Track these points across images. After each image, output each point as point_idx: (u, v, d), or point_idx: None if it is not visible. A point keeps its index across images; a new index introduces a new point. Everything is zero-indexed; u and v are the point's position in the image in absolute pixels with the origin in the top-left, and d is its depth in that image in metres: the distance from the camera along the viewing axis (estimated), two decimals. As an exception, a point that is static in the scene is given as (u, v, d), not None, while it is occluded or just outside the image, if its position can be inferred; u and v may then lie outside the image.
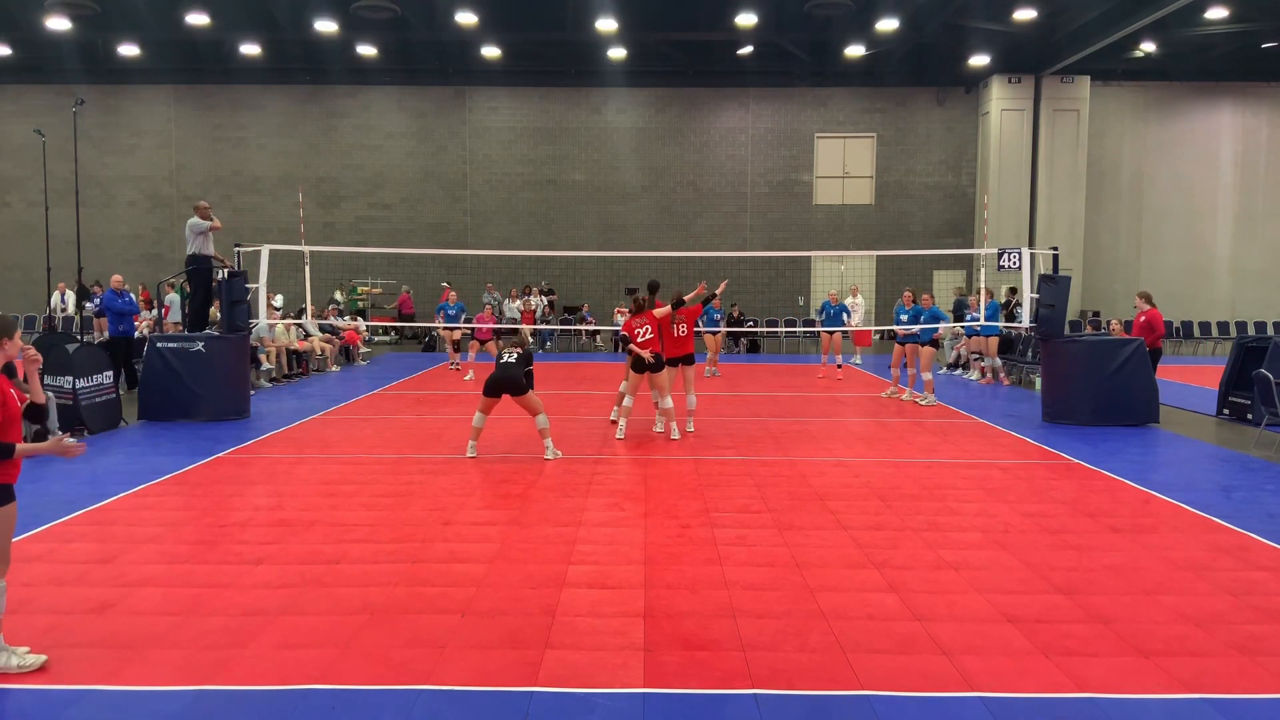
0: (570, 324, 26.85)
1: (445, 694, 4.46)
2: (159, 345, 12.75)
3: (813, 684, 4.58)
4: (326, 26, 24.34)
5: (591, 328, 25.90)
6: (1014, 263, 13.90)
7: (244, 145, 29.44)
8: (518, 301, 26.29)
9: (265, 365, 16.92)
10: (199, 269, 13.92)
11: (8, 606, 4.85)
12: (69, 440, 4.78)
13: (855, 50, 26.18)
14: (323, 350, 19.66)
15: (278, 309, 20.37)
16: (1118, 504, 8.27)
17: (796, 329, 26.16)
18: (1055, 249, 14.01)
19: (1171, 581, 6.14)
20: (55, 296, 24.62)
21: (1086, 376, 12.74)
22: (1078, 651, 4.97)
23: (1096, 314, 26.75)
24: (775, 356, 25.34)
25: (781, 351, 26.70)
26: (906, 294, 15.48)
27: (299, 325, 19.11)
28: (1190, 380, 18.29)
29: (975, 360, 18.86)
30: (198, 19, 23.95)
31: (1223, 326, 27.80)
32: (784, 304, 29.18)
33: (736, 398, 15.66)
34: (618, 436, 11.41)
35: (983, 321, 17.08)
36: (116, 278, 15.87)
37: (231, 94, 29.27)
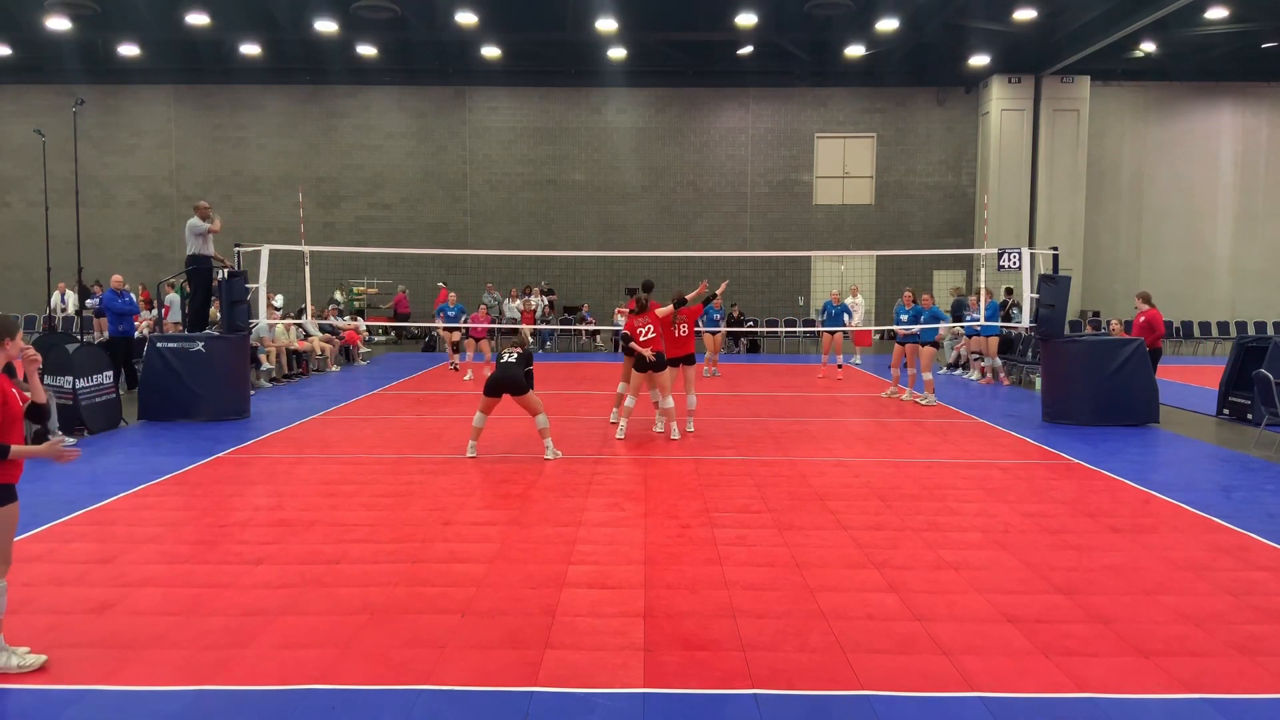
0: (570, 324, 26.84)
1: (445, 694, 4.46)
2: (159, 345, 12.75)
3: (813, 684, 4.58)
4: (326, 26, 24.34)
5: (591, 328, 25.90)
6: (1014, 263, 13.90)
7: (244, 145, 29.44)
8: (518, 301, 26.30)
9: (265, 365, 16.92)
10: (199, 269, 13.92)
11: (8, 606, 4.85)
12: (64, 446, 4.78)
13: (855, 50, 26.18)
14: (323, 350, 19.66)
15: (278, 309, 20.37)
16: (1118, 504, 8.27)
17: (796, 329, 26.16)
18: (1055, 249, 14.01)
19: (1171, 581, 6.14)
20: (55, 296, 24.62)
21: (1086, 376, 12.74)
22: (1078, 651, 4.97)
23: (1096, 314, 26.76)
24: (775, 356, 25.35)
25: (781, 351, 26.71)
26: (907, 294, 15.48)
27: (299, 325, 19.11)
28: (1190, 380, 18.30)
29: (975, 360, 18.87)
30: (198, 19, 23.95)
31: (1223, 326, 27.80)
32: (784, 304, 29.18)
33: (736, 398, 15.66)
34: (618, 436, 11.41)
35: (983, 321, 17.09)
36: (116, 278, 15.87)
37: (231, 94, 29.27)
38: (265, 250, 14.35)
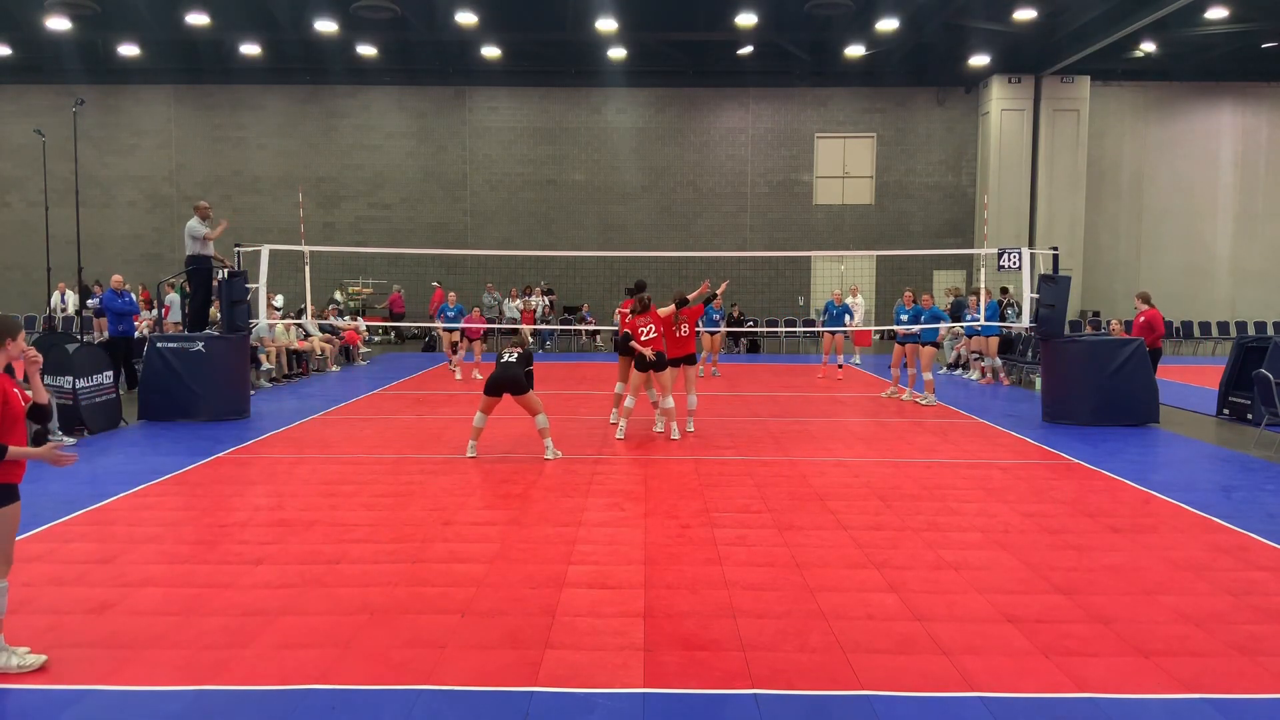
0: (570, 324, 26.84)
1: (445, 694, 4.46)
2: (159, 345, 12.75)
3: (813, 684, 4.58)
4: (326, 26, 24.34)
5: (591, 328, 25.89)
6: (1014, 263, 13.90)
7: (244, 145, 29.44)
8: (518, 301, 26.30)
9: (265, 365, 16.92)
10: (199, 269, 13.91)
11: (8, 606, 4.84)
12: (62, 450, 4.78)
13: (855, 50, 26.18)
14: (323, 350, 19.66)
15: (278, 309, 20.37)
16: (1118, 504, 8.27)
17: (796, 329, 26.16)
18: (1055, 249, 14.01)
19: (1171, 581, 6.14)
20: (55, 296, 24.63)
21: (1086, 376, 12.74)
22: (1078, 651, 4.97)
23: (1096, 314, 26.76)
24: (775, 356, 25.35)
25: (781, 351, 26.71)
26: (907, 294, 15.48)
27: (299, 325, 19.12)
28: (1190, 380, 18.30)
29: (975, 360, 18.87)
30: (198, 19, 23.95)
31: (1223, 326, 27.80)
32: (784, 304, 29.17)
33: (736, 398, 15.66)
34: (618, 437, 11.41)
35: (982, 321, 17.09)
36: (116, 278, 15.87)
37: (231, 94, 29.28)
38: (265, 250, 14.35)
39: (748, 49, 26.91)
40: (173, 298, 17.92)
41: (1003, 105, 27.89)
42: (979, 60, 26.94)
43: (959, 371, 19.73)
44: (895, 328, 15.80)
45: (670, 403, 11.39)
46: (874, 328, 25.84)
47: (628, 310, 11.97)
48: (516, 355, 10.07)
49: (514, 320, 25.30)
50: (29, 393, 4.84)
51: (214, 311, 14.65)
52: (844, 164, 29.57)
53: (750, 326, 25.96)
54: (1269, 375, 10.97)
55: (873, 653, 4.94)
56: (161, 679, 4.59)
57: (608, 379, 17.07)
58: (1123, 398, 12.67)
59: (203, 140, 29.37)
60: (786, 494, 8.57)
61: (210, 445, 10.81)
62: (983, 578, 6.19)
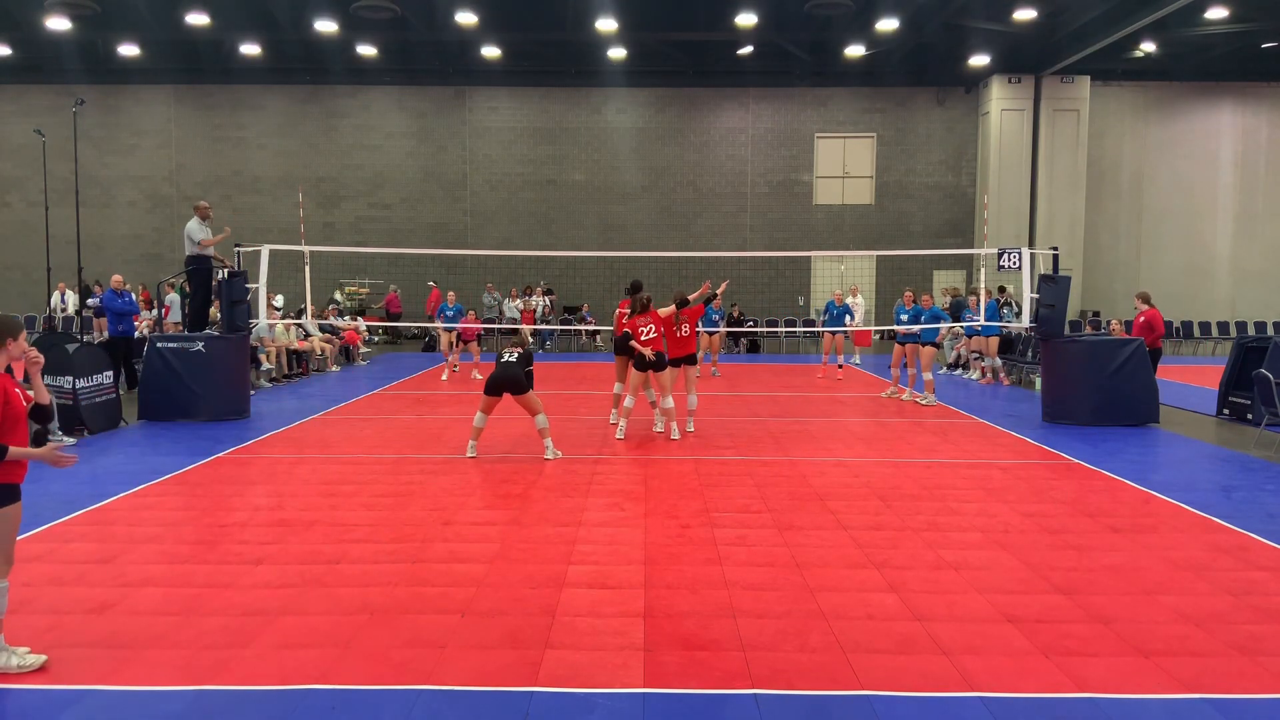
0: (570, 324, 26.84)
1: (445, 694, 4.46)
2: (159, 345, 12.75)
3: (813, 684, 4.58)
4: (326, 26, 24.34)
5: (591, 328, 25.89)
6: (1014, 263, 13.90)
7: (244, 145, 29.44)
8: (518, 301, 26.31)
9: (265, 365, 16.92)
10: (199, 269, 13.92)
11: (8, 606, 4.84)
12: (62, 450, 4.78)
13: (855, 50, 26.18)
14: (323, 350, 19.66)
15: (278, 309, 20.37)
16: (1118, 504, 8.27)
17: (796, 329, 26.16)
18: (1055, 249, 14.01)
19: (1171, 581, 6.14)
20: (55, 296, 24.62)
21: (1086, 376, 12.74)
22: (1078, 651, 4.97)
23: (1096, 314, 26.76)
24: (775, 356, 25.34)
25: (781, 351, 26.71)
26: (907, 294, 15.48)
27: (299, 325, 19.12)
28: (1190, 380, 18.30)
29: (975, 360, 18.87)
30: (198, 19, 23.96)
31: (1223, 326, 27.80)
32: (784, 304, 29.18)
33: (736, 398, 15.66)
34: (618, 437, 11.41)
35: (982, 321, 17.09)
36: (116, 278, 15.87)
37: (231, 94, 29.28)
38: (265, 250, 14.35)
39: (748, 49, 26.91)
40: (173, 298, 17.92)
41: (1003, 105, 27.89)
42: (979, 60, 26.94)
43: (959, 371, 19.73)
44: (895, 328, 15.80)
45: (670, 403, 11.39)
46: (874, 328, 25.84)
47: (625, 311, 11.98)
48: (516, 355, 10.08)
49: (514, 320, 25.31)
50: (30, 393, 4.84)
51: (214, 311, 14.66)
52: (844, 164, 29.57)
53: (750, 326, 25.96)
54: (1269, 375, 10.97)
55: (873, 653, 4.94)
56: (161, 679, 4.59)
57: (608, 379, 17.06)
58: (1123, 398, 12.67)
59: (203, 140, 29.37)
60: (786, 494, 8.57)
61: (210, 445, 10.81)
62: (983, 578, 6.19)
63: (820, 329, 19.41)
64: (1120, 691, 4.51)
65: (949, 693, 4.49)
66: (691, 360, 11.88)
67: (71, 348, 11.83)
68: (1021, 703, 4.40)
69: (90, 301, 22.32)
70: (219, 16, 24.18)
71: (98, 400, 11.78)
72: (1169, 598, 5.82)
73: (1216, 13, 23.25)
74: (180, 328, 16.44)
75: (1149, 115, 29.30)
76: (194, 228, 13.75)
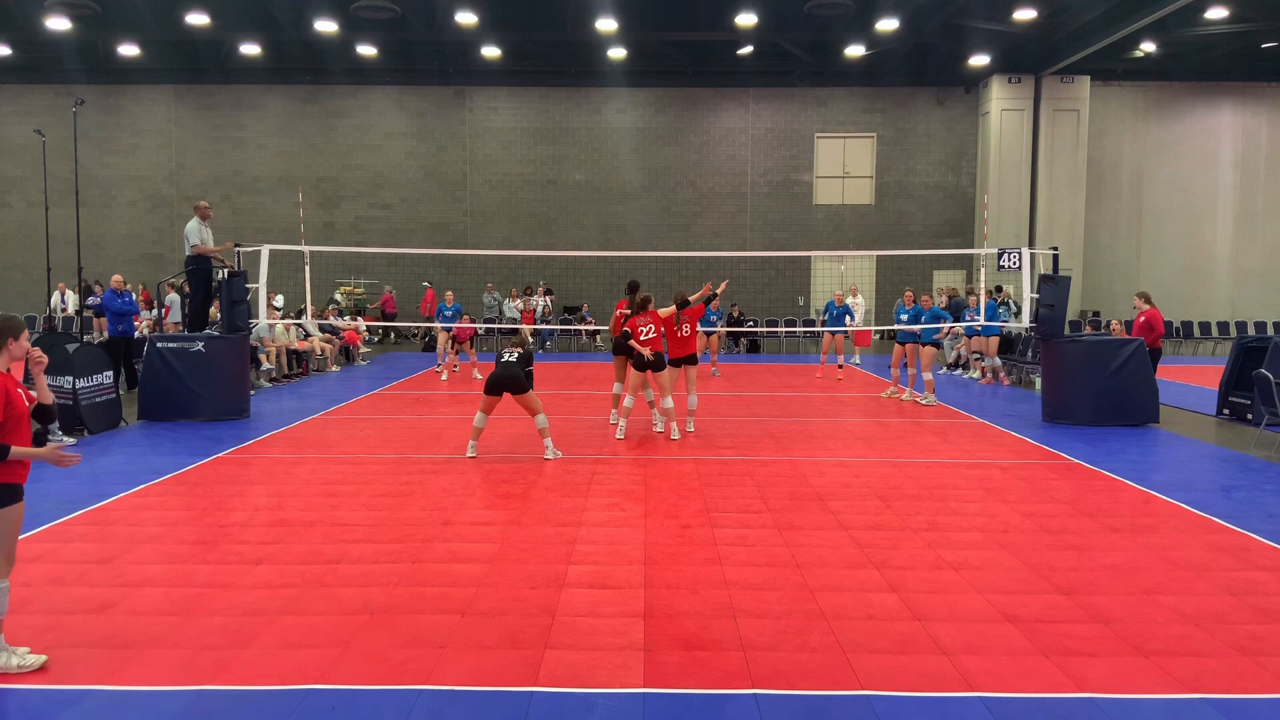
0: (570, 324, 26.84)
1: (445, 694, 4.46)
2: (159, 345, 12.75)
3: (813, 684, 4.58)
4: (326, 26, 24.33)
5: (591, 328, 25.89)
6: (1014, 263, 13.90)
7: (244, 145, 29.44)
8: (518, 301, 26.31)
9: (265, 365, 16.92)
10: (199, 269, 13.91)
11: (8, 606, 4.85)
12: (65, 450, 4.78)
13: (855, 50, 26.17)
14: (323, 350, 19.67)
15: (278, 309, 20.37)
16: (1118, 504, 8.27)
17: (796, 329, 26.16)
18: (1055, 249, 14.01)
19: (1171, 581, 6.14)
20: (55, 296, 24.62)
21: (1086, 376, 12.74)
22: (1078, 651, 4.97)
23: (1096, 314, 26.77)
24: (775, 356, 25.34)
25: (781, 351, 26.70)
26: (907, 294, 15.49)
27: (299, 325, 19.12)
28: (1190, 380, 18.30)
29: (975, 360, 18.87)
30: (198, 19, 23.95)
31: (1223, 326, 27.80)
32: (784, 304, 29.18)
33: (736, 398, 15.66)
34: (618, 437, 11.41)
35: (982, 321, 17.09)
36: (116, 278, 15.87)
37: (231, 94, 29.28)
38: (265, 250, 14.36)
39: (748, 49, 26.90)
40: (173, 298, 17.92)
41: (1003, 105, 27.88)
42: (979, 60, 26.93)
43: (959, 371, 19.73)
44: (895, 327, 15.80)
45: (669, 403, 11.38)
46: (874, 328, 25.84)
47: (623, 312, 11.97)
48: (516, 355, 10.08)
49: (514, 320, 25.32)
50: (33, 393, 4.84)
51: (214, 311, 14.66)
52: (844, 164, 29.57)
53: (750, 326, 25.96)
54: (1269, 375, 10.97)
55: (873, 653, 4.94)
56: (161, 679, 4.59)
57: (607, 379, 17.07)
58: (1123, 398, 12.67)
59: (203, 140, 29.37)
60: (786, 494, 8.57)
61: (210, 445, 10.81)
62: (983, 578, 6.19)
63: (820, 329, 19.39)
64: (1120, 691, 4.51)
65: (949, 693, 4.50)
66: (692, 360, 11.87)
67: (71, 348, 11.83)
68: (1021, 703, 4.40)
69: (90, 301, 22.32)
70: (219, 16, 24.18)
71: (98, 400, 11.78)
72: (1169, 598, 5.82)
73: (1216, 13, 23.24)
74: (180, 328, 16.43)
75: (1149, 115, 29.30)
76: (193, 228, 13.73)
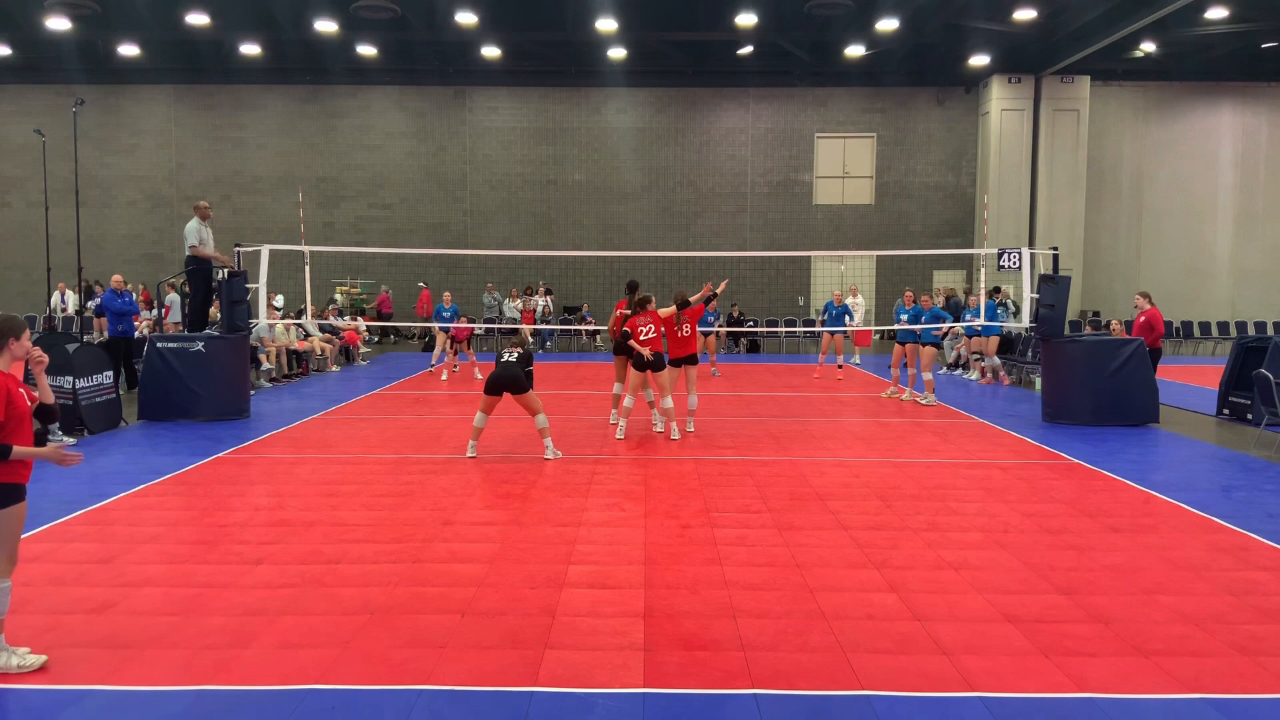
0: (570, 324, 26.84)
1: (445, 694, 4.46)
2: (159, 345, 12.75)
3: (813, 684, 4.58)
4: (326, 26, 24.33)
5: (591, 328, 25.89)
6: (1014, 263, 13.90)
7: (244, 145, 29.44)
8: (517, 301, 26.31)
9: (265, 365, 16.92)
10: (199, 269, 13.91)
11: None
12: (67, 449, 4.78)
13: (855, 50, 26.17)
14: (323, 350, 19.67)
15: (278, 309, 20.37)
16: (1118, 504, 8.27)
17: (796, 329, 26.16)
18: (1055, 249, 14.01)
19: (1171, 581, 6.14)
20: (55, 296, 24.62)
21: (1086, 376, 12.74)
22: (1078, 651, 4.97)
23: (1096, 314, 26.76)
24: (775, 356, 25.34)
25: (781, 351, 26.70)
26: (907, 294, 15.48)
27: (299, 325, 19.12)
28: (1190, 380, 18.30)
29: (975, 360, 18.87)
30: (198, 19, 23.95)
31: (1223, 326, 27.80)
32: (784, 304, 29.18)
33: (736, 398, 15.66)
34: (617, 437, 11.41)
35: (982, 321, 17.09)
36: (116, 278, 15.87)
37: (231, 94, 29.28)
38: (265, 250, 14.36)
39: (748, 49, 26.90)
40: (173, 298, 17.93)
41: (1003, 105, 27.88)
42: (979, 60, 26.93)
43: (959, 371, 19.73)
44: (895, 327, 15.80)
45: (669, 403, 11.38)
46: (874, 328, 25.84)
47: (623, 312, 11.97)
48: (516, 355, 10.08)
49: (514, 320, 25.32)
50: (35, 392, 4.84)
51: (214, 311, 14.66)
52: (844, 164, 29.57)
53: (750, 326, 25.96)
54: (1269, 375, 10.97)
55: (873, 653, 4.94)
56: (161, 679, 4.59)
57: (607, 379, 17.07)
58: (1123, 398, 12.67)
59: (203, 140, 29.38)
60: (786, 494, 8.57)
61: (210, 445, 10.81)
62: (983, 578, 6.19)
63: (820, 329, 19.39)
64: (1120, 691, 4.51)
65: (949, 693, 4.49)
66: (692, 360, 11.87)
67: (71, 348, 11.83)
68: (1021, 703, 4.40)
69: (91, 303, 22.32)
70: (219, 16, 24.18)
71: (98, 400, 11.78)
72: (1169, 598, 5.82)
73: (1216, 13, 23.24)
74: (180, 328, 16.44)
75: (1149, 115, 29.30)
76: (192, 229, 13.72)
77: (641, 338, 11.14)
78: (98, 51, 27.61)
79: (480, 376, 17.34)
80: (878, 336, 27.69)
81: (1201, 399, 15.15)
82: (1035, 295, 13.49)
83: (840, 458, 10.36)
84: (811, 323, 26.31)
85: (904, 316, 15.21)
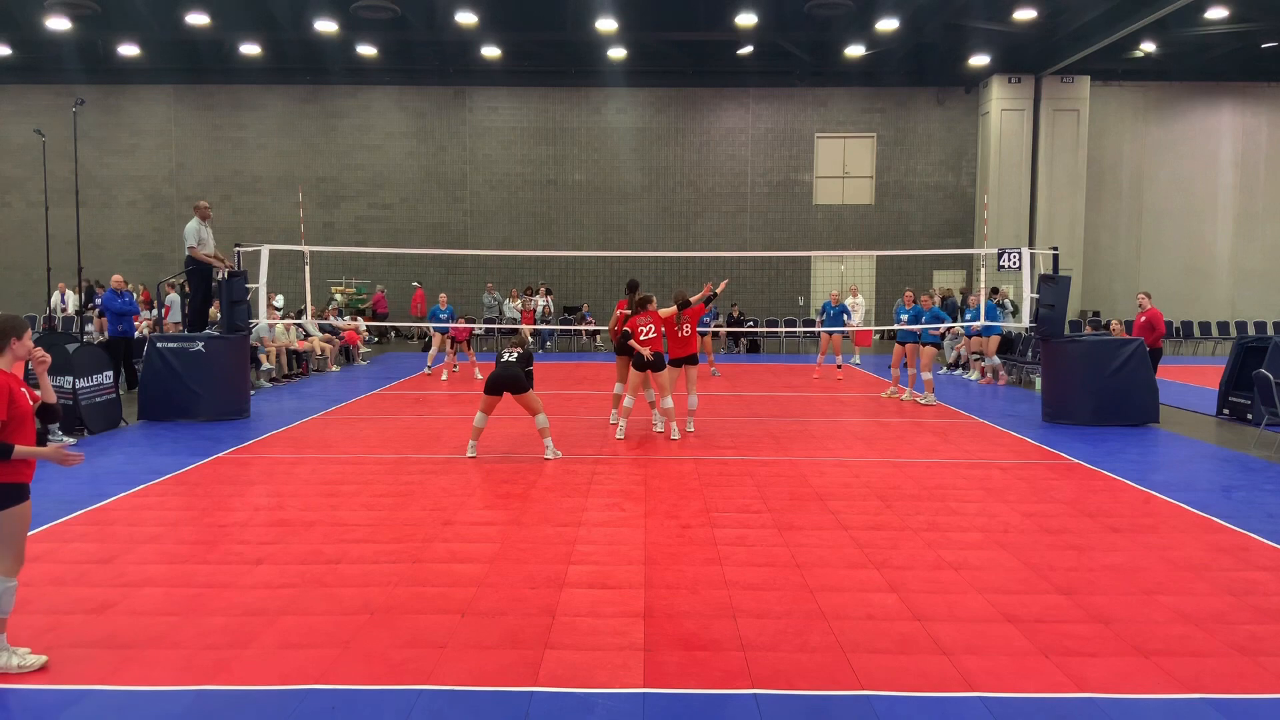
0: (570, 324, 26.84)
1: (445, 694, 4.46)
2: (159, 345, 12.75)
3: (813, 684, 4.58)
4: (326, 26, 24.33)
5: (591, 328, 25.89)
6: (1014, 263, 13.90)
7: (244, 145, 29.44)
8: (517, 301, 26.30)
9: (265, 365, 16.92)
10: (199, 269, 13.91)
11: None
12: (69, 449, 4.78)
13: (855, 50, 26.17)
14: (323, 350, 19.67)
15: (278, 309, 20.37)
16: (1118, 504, 8.27)
17: (796, 329, 26.16)
18: (1055, 249, 14.01)
19: (1171, 581, 6.14)
20: (55, 296, 24.62)
21: (1086, 376, 12.74)
22: (1078, 651, 4.97)
23: (1096, 314, 26.75)
24: (775, 356, 25.34)
25: (781, 351, 26.70)
26: (907, 294, 15.48)
27: (299, 325, 19.12)
28: (1190, 380, 18.30)
29: (975, 360, 18.87)
30: (198, 19, 23.95)
31: (1223, 326, 27.80)
32: (784, 304, 29.18)
33: (736, 398, 15.66)
34: (617, 437, 11.41)
35: (982, 322, 17.09)
36: (117, 278, 15.87)
37: (231, 94, 29.28)
38: (265, 250, 14.36)
39: (748, 49, 26.90)
40: (173, 298, 17.92)
41: (1003, 105, 27.88)
42: (979, 60, 26.93)
43: (959, 371, 19.73)
44: (895, 327, 15.80)
45: (669, 403, 11.38)
46: (874, 328, 25.83)
47: (623, 312, 11.97)
48: (517, 355, 10.08)
49: (514, 320, 25.31)
50: (38, 392, 4.84)
51: (214, 311, 14.66)
52: (844, 164, 29.57)
53: (750, 326, 25.95)
54: (1269, 375, 10.97)
55: (873, 653, 4.94)
56: (161, 679, 4.59)
57: (607, 379, 17.07)
58: (1123, 398, 12.67)
59: (203, 140, 29.38)
60: (786, 494, 8.57)
61: (210, 445, 10.81)
62: (983, 578, 6.19)
63: (820, 329, 19.39)
64: (1120, 691, 4.51)
65: (949, 693, 4.50)
66: (693, 360, 11.87)
67: (71, 348, 11.83)
68: (1021, 703, 4.40)
69: (93, 304, 22.32)
70: (219, 16, 24.18)
71: (98, 400, 11.78)
72: (1169, 598, 5.82)
73: (1216, 13, 23.24)
74: (180, 328, 16.43)
75: (1149, 115, 29.30)
76: (192, 229, 13.72)
77: (642, 338, 11.14)
78: (98, 51, 27.61)
79: (480, 376, 17.34)
80: (878, 336, 27.69)
81: (1201, 399, 15.15)
82: (1035, 295, 13.49)
83: (840, 458, 10.36)
84: (811, 323, 26.30)
85: (904, 316, 15.21)
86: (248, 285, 13.49)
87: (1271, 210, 29.39)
